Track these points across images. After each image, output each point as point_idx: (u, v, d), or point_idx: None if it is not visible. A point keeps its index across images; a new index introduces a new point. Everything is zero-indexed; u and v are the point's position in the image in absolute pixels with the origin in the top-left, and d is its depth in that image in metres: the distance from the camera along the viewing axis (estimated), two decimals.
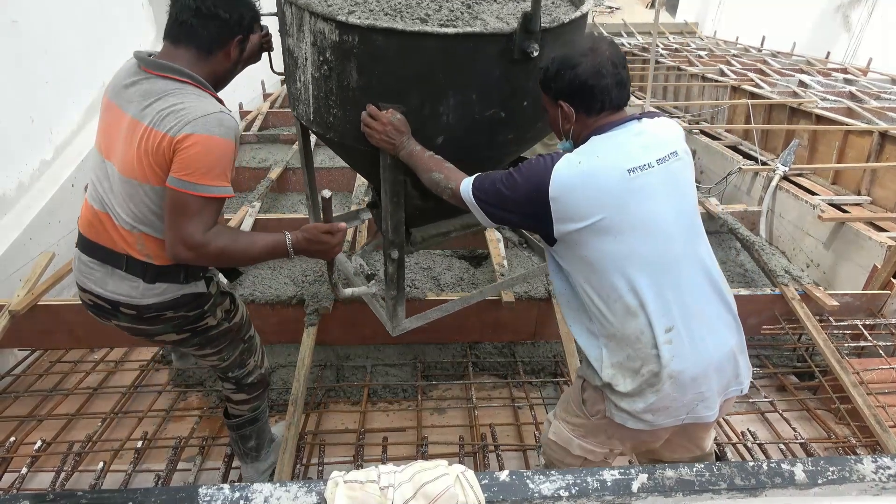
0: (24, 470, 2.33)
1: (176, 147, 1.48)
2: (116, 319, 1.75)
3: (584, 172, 1.45)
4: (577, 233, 1.47)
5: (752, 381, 2.89)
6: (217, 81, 1.70)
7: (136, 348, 3.19)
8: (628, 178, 1.45)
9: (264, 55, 2.14)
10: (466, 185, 1.59)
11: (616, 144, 1.49)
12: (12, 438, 2.51)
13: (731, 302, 1.62)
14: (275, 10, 2.01)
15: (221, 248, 1.55)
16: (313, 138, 3.66)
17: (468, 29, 1.68)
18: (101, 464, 2.37)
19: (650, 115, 1.60)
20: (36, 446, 2.46)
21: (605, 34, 11.22)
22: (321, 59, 1.77)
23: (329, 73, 1.78)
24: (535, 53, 1.67)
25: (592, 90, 1.49)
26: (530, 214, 1.51)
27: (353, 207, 3.63)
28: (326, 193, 1.63)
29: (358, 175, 4.41)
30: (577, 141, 1.56)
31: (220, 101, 1.64)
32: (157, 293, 1.67)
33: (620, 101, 1.53)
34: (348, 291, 2.04)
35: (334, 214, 2.90)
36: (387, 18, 1.72)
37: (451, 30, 1.65)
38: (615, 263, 1.47)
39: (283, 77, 2.16)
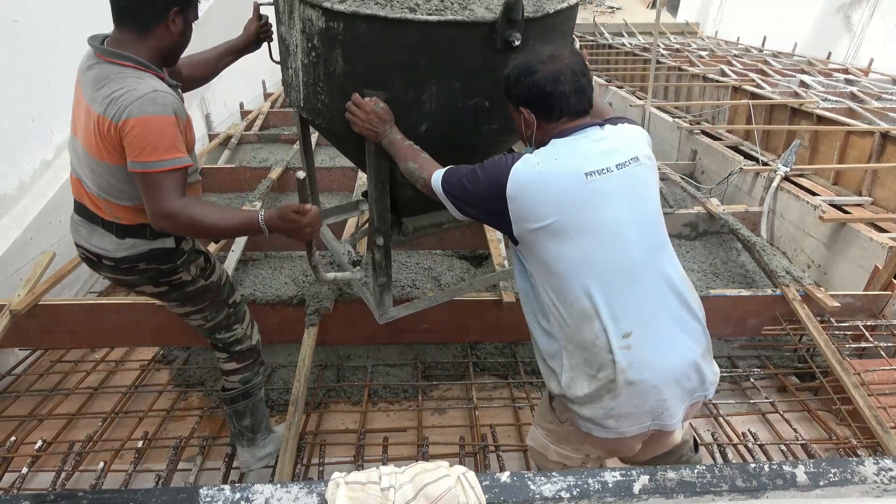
0: (24, 470, 2.33)
1: (121, 133, 1.61)
2: (102, 270, 1.92)
3: (541, 173, 1.47)
4: (533, 233, 1.49)
5: (752, 382, 2.91)
6: (165, 56, 1.77)
7: (136, 348, 3.20)
8: (585, 181, 1.46)
9: (264, 45, 2.22)
10: (437, 176, 1.62)
11: (575, 148, 1.50)
12: (13, 438, 2.51)
13: (696, 309, 1.60)
14: None
15: (191, 217, 1.67)
16: (314, 134, 3.65)
17: (449, 17, 1.68)
18: (101, 464, 2.37)
19: (613, 121, 1.62)
20: (36, 446, 2.46)
21: (607, 34, 11.24)
22: (309, 45, 1.81)
23: (317, 59, 1.82)
24: (517, 43, 1.68)
25: (550, 97, 1.51)
26: (491, 212, 1.54)
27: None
28: (301, 175, 1.67)
29: (359, 175, 4.41)
30: (539, 146, 1.57)
31: (163, 78, 1.72)
32: (128, 247, 1.82)
33: (580, 107, 1.54)
34: (330, 276, 2.07)
35: (335, 206, 2.94)
36: (376, 7, 1.73)
37: (432, 17, 1.66)
38: (571, 266, 1.48)
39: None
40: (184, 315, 2.07)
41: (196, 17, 1.79)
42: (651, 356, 1.50)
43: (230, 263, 3.24)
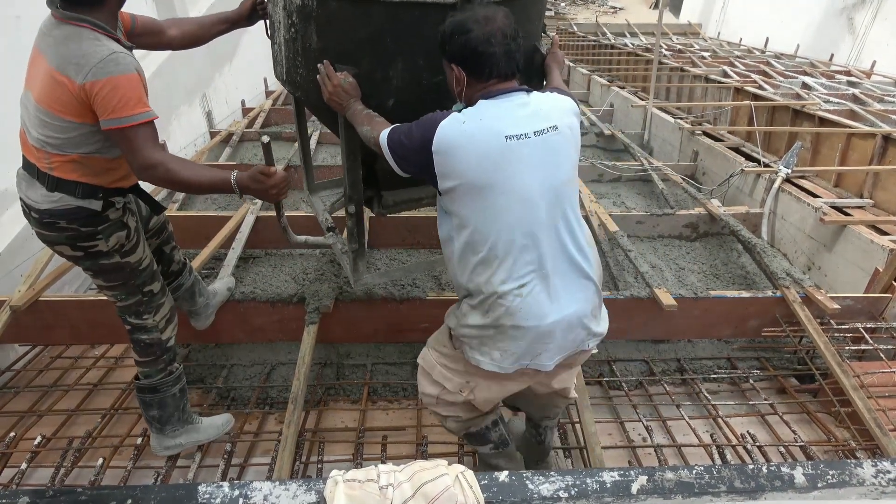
0: (23, 465, 2.34)
1: (89, 95, 1.70)
2: (31, 223, 1.98)
3: (465, 133, 1.55)
4: (454, 188, 1.58)
5: (752, 384, 2.91)
6: (118, 10, 1.86)
7: None
8: (505, 143, 1.55)
9: (259, 22, 2.36)
10: (384, 134, 1.70)
11: (500, 111, 1.59)
12: (12, 434, 2.51)
13: (592, 272, 1.71)
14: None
15: (169, 170, 1.79)
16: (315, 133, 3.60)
17: None
18: (100, 460, 2.37)
19: (545, 90, 1.71)
20: (36, 442, 2.46)
21: (609, 34, 11.23)
22: (289, 21, 1.94)
23: (295, 35, 1.95)
24: None
25: (481, 57, 1.58)
26: (423, 165, 1.61)
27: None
28: (265, 139, 1.81)
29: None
30: (469, 104, 1.65)
31: (118, 40, 1.80)
32: (54, 200, 1.88)
33: (508, 70, 1.62)
34: (301, 238, 2.20)
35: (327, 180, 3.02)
36: None
37: None
38: (482, 220, 1.59)
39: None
40: (98, 288, 2.15)
41: None
42: (541, 306, 1.62)
43: (231, 261, 3.25)
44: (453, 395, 1.87)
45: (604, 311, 1.84)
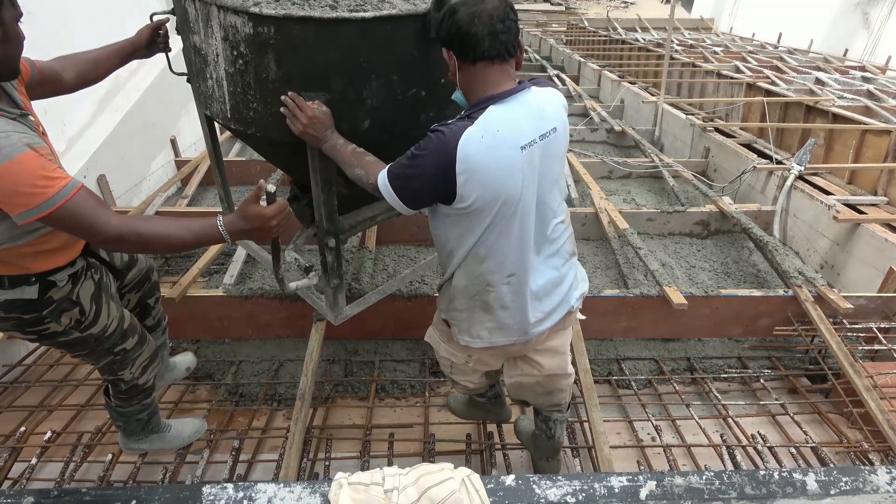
0: (33, 460, 2.35)
1: None
2: None
3: (488, 148, 1.50)
4: (468, 205, 1.55)
5: (763, 383, 2.88)
6: None
7: None
8: (522, 154, 1.53)
9: (159, 55, 2.16)
10: (382, 176, 1.63)
11: (512, 117, 1.54)
12: (23, 428, 2.53)
13: (561, 249, 1.78)
14: (168, 8, 1.98)
15: (140, 234, 1.51)
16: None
17: (384, 12, 1.70)
18: (109, 455, 2.38)
19: (540, 83, 1.68)
20: (46, 437, 2.47)
21: (620, 29, 11.15)
22: (235, 53, 1.77)
23: (245, 66, 1.78)
24: None
25: (464, 37, 1.52)
26: (440, 188, 1.55)
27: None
28: (271, 188, 1.56)
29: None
30: (467, 94, 1.61)
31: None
32: None
33: (492, 52, 1.53)
34: (293, 286, 2.06)
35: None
36: (295, 7, 1.71)
37: (368, 14, 1.67)
38: (485, 228, 1.60)
39: (187, 77, 2.16)
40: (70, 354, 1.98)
41: (19, 14, 1.51)
42: (524, 289, 1.72)
43: (239, 257, 3.25)
44: (463, 365, 2.00)
45: (580, 272, 1.93)
